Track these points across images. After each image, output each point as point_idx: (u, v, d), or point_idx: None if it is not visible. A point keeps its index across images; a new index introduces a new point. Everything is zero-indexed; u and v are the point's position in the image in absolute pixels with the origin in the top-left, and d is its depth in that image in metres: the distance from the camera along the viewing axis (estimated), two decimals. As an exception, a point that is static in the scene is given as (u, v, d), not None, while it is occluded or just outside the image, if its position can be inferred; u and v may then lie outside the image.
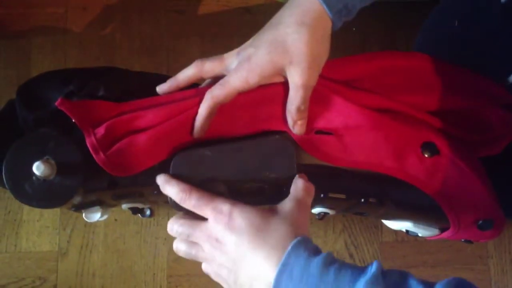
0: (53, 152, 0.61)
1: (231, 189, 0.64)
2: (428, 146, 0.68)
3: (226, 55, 0.65)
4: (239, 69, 0.62)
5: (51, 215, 1.00)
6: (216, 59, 0.66)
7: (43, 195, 0.61)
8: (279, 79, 0.64)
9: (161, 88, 0.68)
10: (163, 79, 0.68)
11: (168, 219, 1.03)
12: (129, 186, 0.66)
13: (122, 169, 0.64)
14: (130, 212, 0.97)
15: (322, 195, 0.71)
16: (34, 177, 0.61)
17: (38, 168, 0.59)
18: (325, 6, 0.61)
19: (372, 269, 0.52)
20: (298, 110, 0.64)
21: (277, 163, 0.65)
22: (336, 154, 0.69)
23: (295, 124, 0.65)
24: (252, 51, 0.62)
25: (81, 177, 0.62)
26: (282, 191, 0.64)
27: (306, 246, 0.55)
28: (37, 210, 1.00)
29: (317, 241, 1.01)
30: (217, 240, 0.60)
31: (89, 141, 0.62)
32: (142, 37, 1.05)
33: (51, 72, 0.68)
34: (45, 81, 0.67)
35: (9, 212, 1.00)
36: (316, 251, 0.55)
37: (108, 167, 0.63)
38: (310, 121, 0.66)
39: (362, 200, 0.72)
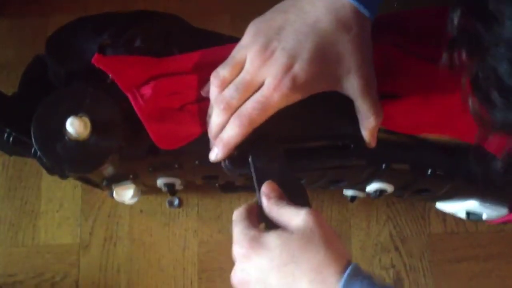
0: (88, 110, 0.55)
1: (290, 149, 0.57)
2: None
3: (238, 57, 0.57)
4: (280, 87, 0.54)
5: (72, 205, 0.94)
6: (230, 66, 0.57)
7: (75, 157, 0.54)
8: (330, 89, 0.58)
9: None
10: (209, 35, 0.64)
11: (198, 210, 0.98)
12: (170, 153, 0.60)
13: (173, 141, 0.59)
14: (157, 202, 0.93)
15: (383, 166, 0.65)
16: (66, 137, 0.54)
17: (71, 125, 0.52)
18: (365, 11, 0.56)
19: None
20: (376, 117, 0.59)
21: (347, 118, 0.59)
22: (400, 119, 0.63)
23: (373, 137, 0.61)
24: (289, 57, 0.54)
25: (119, 139, 0.56)
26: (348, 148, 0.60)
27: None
28: (56, 201, 0.94)
29: (360, 234, 0.94)
30: None
31: (137, 105, 0.57)
32: (169, 15, 0.99)
33: (83, 19, 0.62)
34: (76, 29, 0.61)
35: (26, 202, 0.94)
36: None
37: (160, 139, 0.58)
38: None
39: (429, 172, 0.65)
